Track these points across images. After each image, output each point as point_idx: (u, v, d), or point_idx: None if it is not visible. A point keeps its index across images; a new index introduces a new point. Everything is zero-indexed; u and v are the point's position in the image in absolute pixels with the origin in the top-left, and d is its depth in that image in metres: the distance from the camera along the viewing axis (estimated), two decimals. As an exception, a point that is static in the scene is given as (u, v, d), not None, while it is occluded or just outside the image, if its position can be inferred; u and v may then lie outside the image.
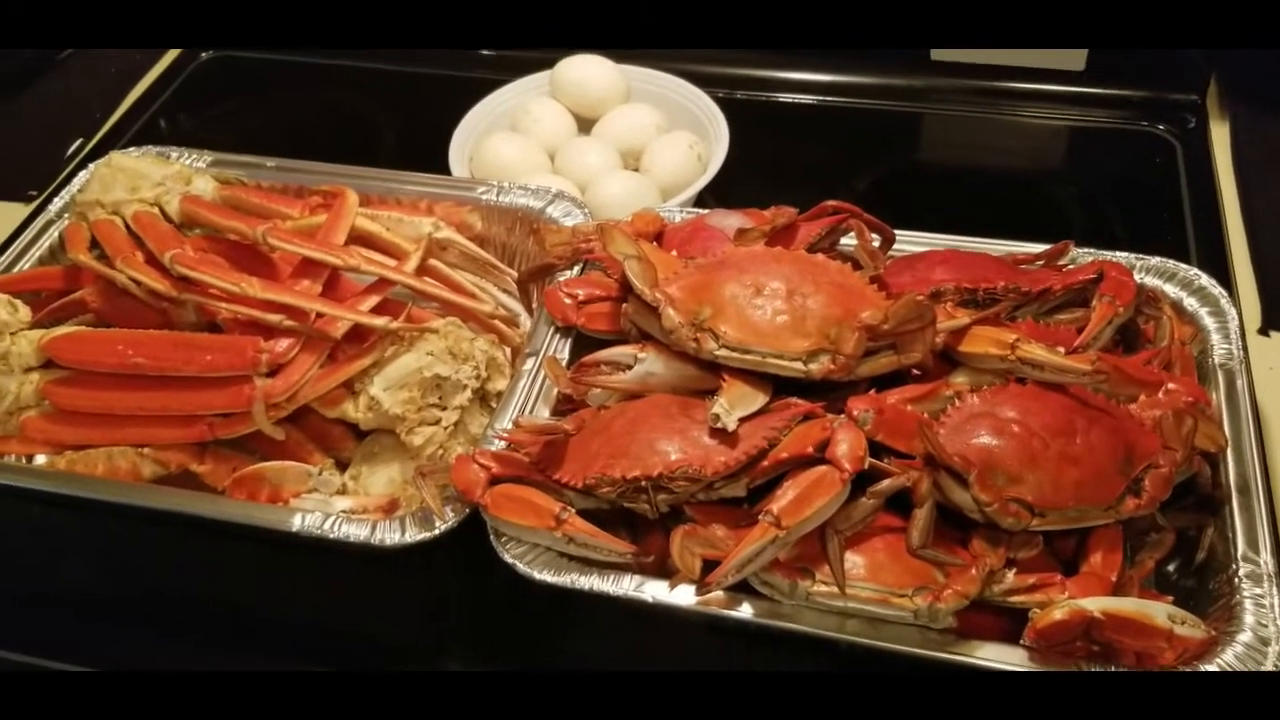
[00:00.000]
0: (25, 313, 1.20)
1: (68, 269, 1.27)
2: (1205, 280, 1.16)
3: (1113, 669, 0.88)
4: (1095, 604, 0.88)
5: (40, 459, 1.19)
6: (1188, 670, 0.88)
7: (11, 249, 1.35)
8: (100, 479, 1.14)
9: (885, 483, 0.92)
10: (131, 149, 1.42)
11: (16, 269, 1.32)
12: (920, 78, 1.69)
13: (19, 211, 1.58)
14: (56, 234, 1.35)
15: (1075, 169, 1.60)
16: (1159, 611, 0.89)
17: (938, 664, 0.90)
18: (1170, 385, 1.02)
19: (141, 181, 1.26)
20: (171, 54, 1.91)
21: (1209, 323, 1.13)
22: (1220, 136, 1.56)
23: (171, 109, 1.82)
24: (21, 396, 1.16)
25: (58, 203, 1.39)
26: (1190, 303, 1.15)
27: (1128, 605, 0.89)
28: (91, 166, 1.34)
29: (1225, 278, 1.29)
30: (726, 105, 1.53)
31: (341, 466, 1.18)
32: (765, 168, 1.57)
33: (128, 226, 1.22)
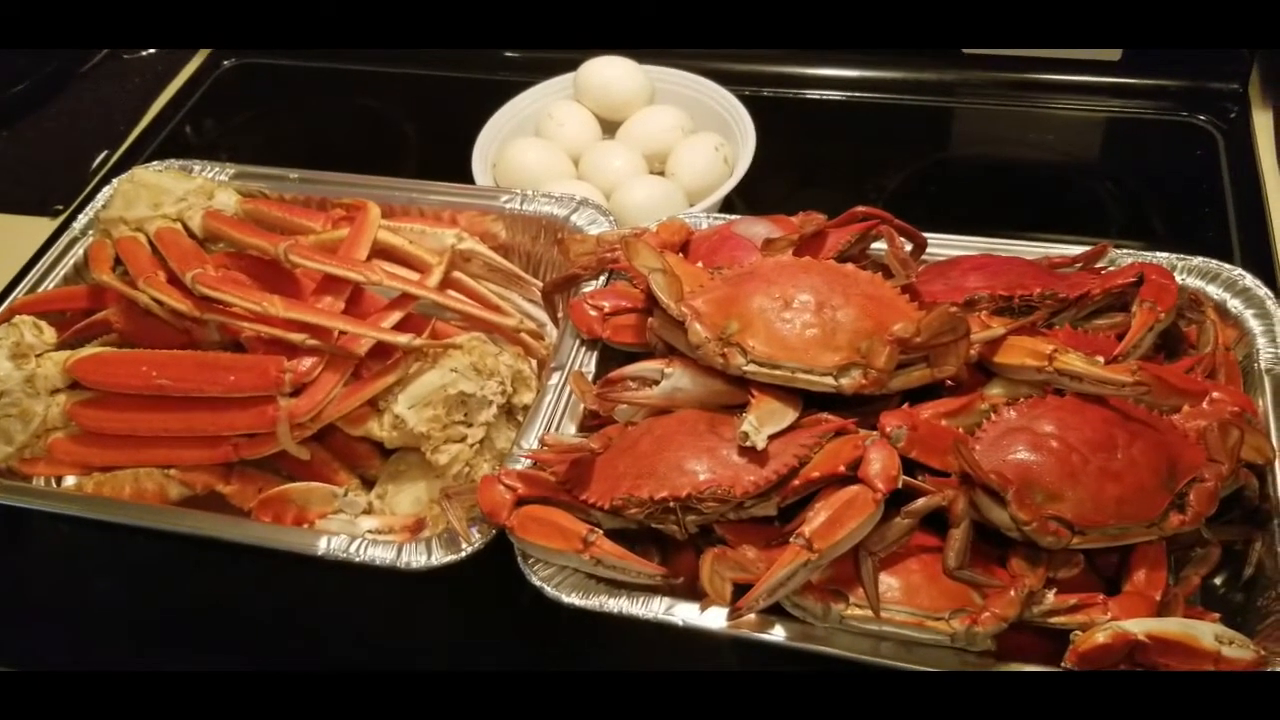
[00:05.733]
0: (50, 334, 1.20)
1: (92, 288, 1.26)
2: (1250, 281, 1.12)
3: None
4: (1139, 626, 0.85)
5: (69, 480, 1.19)
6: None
7: (38, 266, 1.34)
8: (127, 503, 1.14)
9: (920, 502, 0.89)
10: (154, 163, 1.41)
11: (43, 287, 1.32)
12: (951, 72, 1.65)
13: (45, 226, 1.58)
14: (82, 251, 1.34)
15: (1112, 163, 1.56)
16: (1205, 632, 0.86)
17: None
18: (1215, 394, 0.98)
19: (164, 197, 1.25)
20: (194, 63, 1.91)
21: (1254, 325, 1.09)
22: (1264, 127, 1.51)
23: (195, 118, 1.82)
24: (48, 418, 1.16)
25: (82, 219, 1.39)
26: (1234, 304, 1.11)
27: (1173, 626, 0.86)
28: (115, 182, 1.33)
29: (1271, 278, 1.25)
30: (752, 103, 1.50)
31: (368, 484, 1.17)
32: (793, 168, 1.55)
33: (152, 244, 1.21)
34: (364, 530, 1.09)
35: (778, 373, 0.96)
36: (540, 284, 1.29)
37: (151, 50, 1.93)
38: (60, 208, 1.62)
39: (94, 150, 1.73)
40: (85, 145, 1.74)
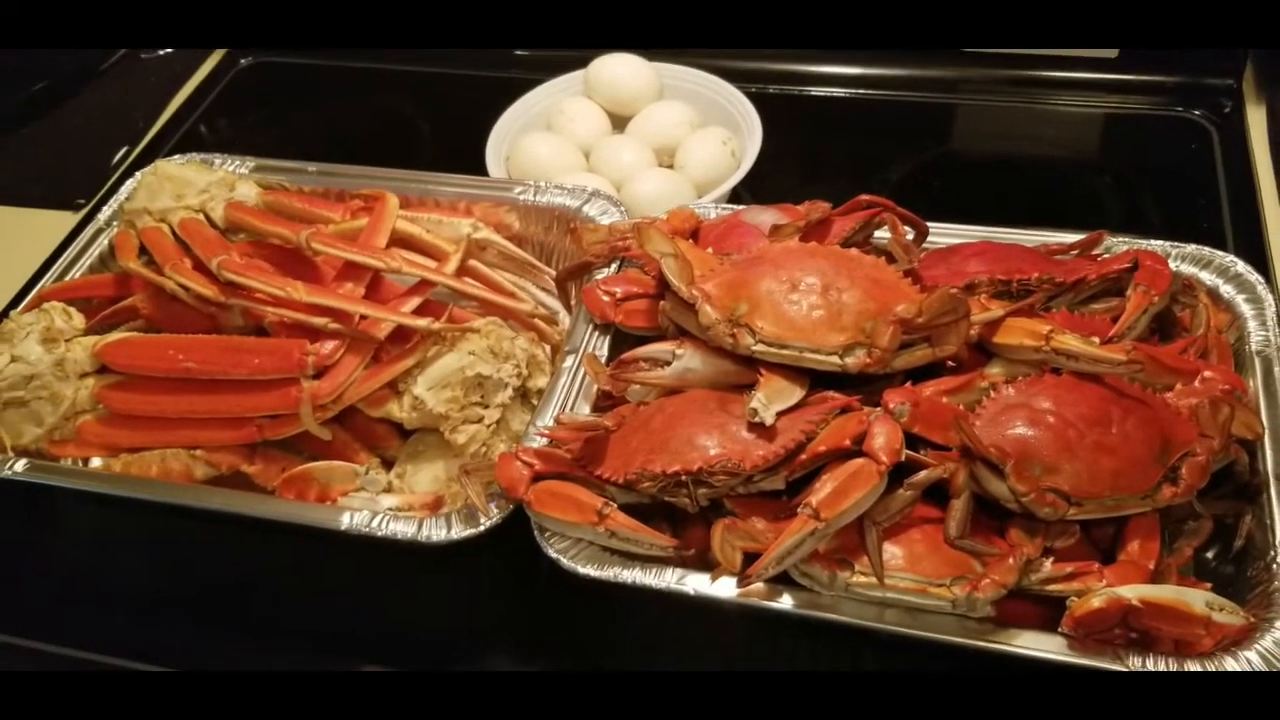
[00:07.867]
0: (79, 320, 1.23)
1: (118, 276, 1.30)
2: (1241, 267, 1.15)
3: (1149, 663, 0.88)
4: (1133, 592, 0.88)
5: (96, 462, 1.23)
6: (1223, 670, 0.87)
7: (64, 257, 1.38)
8: (154, 480, 1.18)
9: (922, 474, 0.93)
10: (176, 156, 1.45)
11: (69, 276, 1.36)
12: (952, 68, 1.69)
13: (68, 220, 1.62)
14: (106, 242, 1.38)
15: (1110, 156, 1.60)
16: (1197, 599, 0.89)
17: (976, 653, 0.91)
18: (1206, 373, 1.02)
19: (187, 189, 1.29)
20: (212, 60, 1.94)
21: (1245, 309, 1.13)
22: (1257, 121, 1.55)
23: (213, 115, 1.85)
24: (77, 401, 1.19)
25: (106, 211, 1.43)
26: (1226, 290, 1.15)
27: (1165, 593, 0.89)
28: (138, 175, 1.37)
29: (1262, 264, 1.29)
30: (759, 100, 1.54)
31: (387, 465, 1.21)
32: (798, 162, 1.59)
33: (175, 234, 1.25)
34: (384, 508, 1.12)
35: (785, 352, 1.00)
36: (553, 272, 1.33)
37: (169, 49, 1.97)
38: (82, 202, 1.66)
39: (114, 146, 1.77)
40: (105, 142, 1.78)
